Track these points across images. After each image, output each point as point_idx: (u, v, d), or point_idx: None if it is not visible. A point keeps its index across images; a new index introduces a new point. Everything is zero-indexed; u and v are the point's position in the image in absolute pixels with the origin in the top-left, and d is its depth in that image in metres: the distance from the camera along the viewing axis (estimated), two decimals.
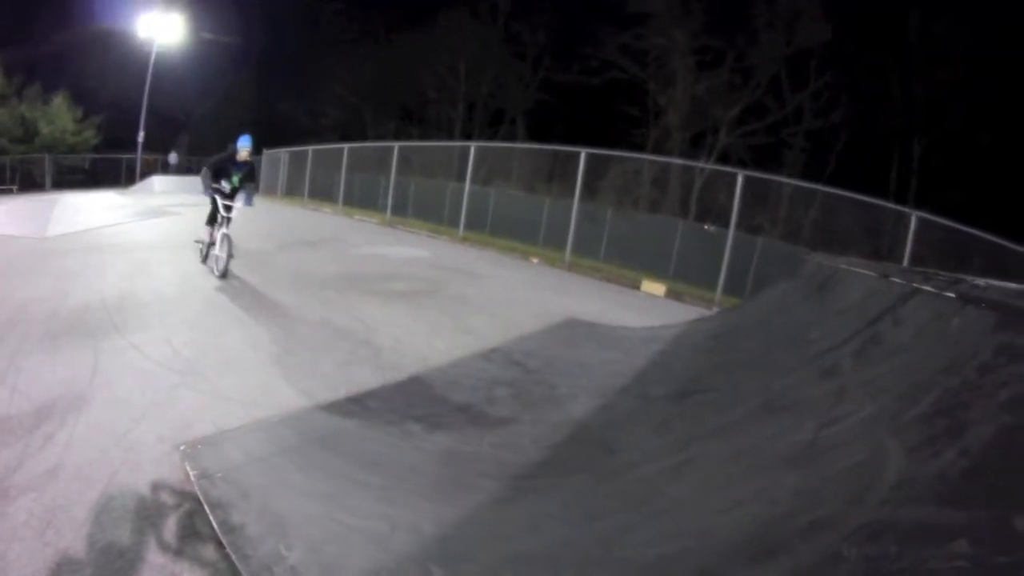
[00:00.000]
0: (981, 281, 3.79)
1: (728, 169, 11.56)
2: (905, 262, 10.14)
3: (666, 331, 5.76)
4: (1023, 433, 1.40)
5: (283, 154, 24.04)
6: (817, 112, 20.59)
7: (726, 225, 10.73)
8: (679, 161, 15.12)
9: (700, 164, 15.90)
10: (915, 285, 2.91)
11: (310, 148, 22.16)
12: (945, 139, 20.40)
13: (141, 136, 25.45)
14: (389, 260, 9.80)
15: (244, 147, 6.96)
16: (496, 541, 1.99)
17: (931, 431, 1.71)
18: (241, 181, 7.11)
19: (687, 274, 11.44)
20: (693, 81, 20.78)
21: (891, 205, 11.10)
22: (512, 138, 23.77)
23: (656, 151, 20.04)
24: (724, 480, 2.12)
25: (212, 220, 7.25)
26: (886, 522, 1.40)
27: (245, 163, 7.08)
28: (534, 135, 22.58)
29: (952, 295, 2.55)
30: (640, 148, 20.13)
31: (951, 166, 20.21)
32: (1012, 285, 3.18)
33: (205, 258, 7.55)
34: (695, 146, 21.25)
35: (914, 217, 10.12)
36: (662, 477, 2.41)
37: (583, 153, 11.92)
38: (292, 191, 22.82)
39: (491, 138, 22.16)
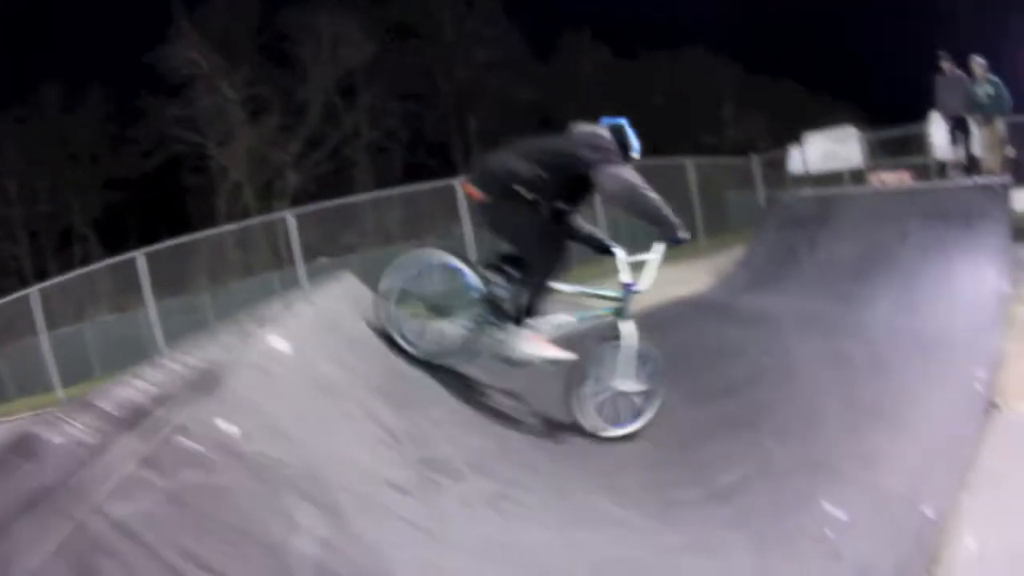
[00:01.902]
0: None
1: (276, 216, 12.38)
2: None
3: None
4: None
5: None
6: (373, 123, 22.78)
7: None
8: (232, 227, 14.80)
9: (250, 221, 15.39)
10: None
11: None
12: (491, 108, 24.74)
13: None
14: None
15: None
16: None
17: None
18: None
19: None
20: (249, 132, 21.13)
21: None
22: (87, 255, 20.90)
23: (230, 211, 19.96)
24: None
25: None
26: None
27: None
28: (110, 243, 20.31)
29: None
30: (214, 216, 19.78)
31: (501, 128, 23.98)
32: None
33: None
34: (268, 195, 21.67)
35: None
36: None
37: (140, 257, 11.53)
38: None
39: (65, 264, 19.04)
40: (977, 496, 2.73)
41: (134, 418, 1.76)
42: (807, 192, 10.40)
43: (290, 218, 11.31)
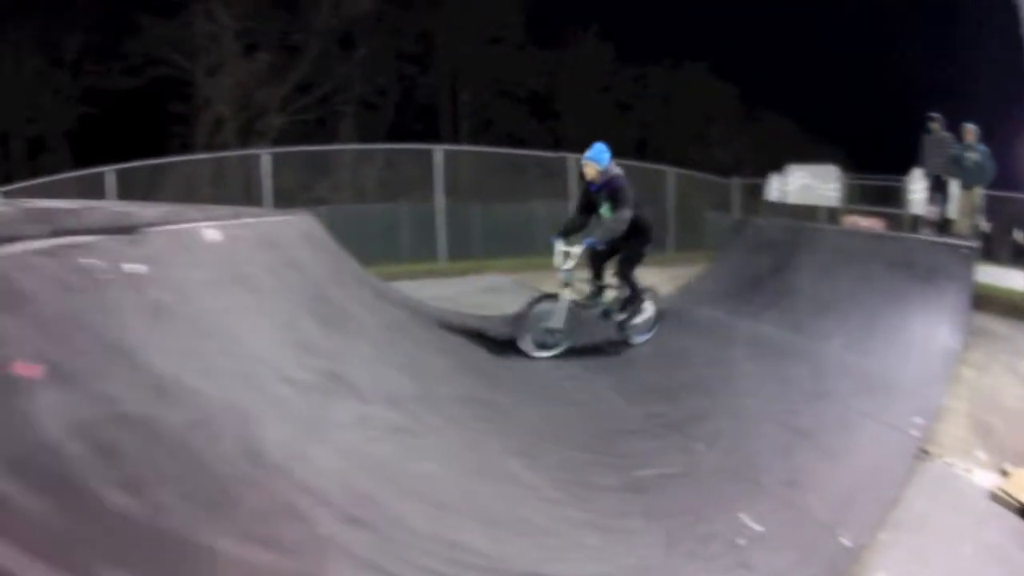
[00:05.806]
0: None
1: (251, 152, 11.97)
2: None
3: None
4: None
5: None
6: (366, 78, 22.20)
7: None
8: (206, 156, 14.25)
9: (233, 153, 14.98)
10: None
11: None
12: (485, 85, 24.70)
13: None
14: None
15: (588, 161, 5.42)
16: None
17: None
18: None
19: None
20: (240, 67, 20.29)
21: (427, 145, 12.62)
22: (56, 166, 19.74)
23: (209, 144, 19.12)
24: None
25: None
26: None
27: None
28: (81, 158, 19.31)
29: None
30: (191, 147, 18.93)
31: (491, 106, 24.88)
32: None
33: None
34: (249, 133, 20.77)
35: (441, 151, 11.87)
36: None
37: (109, 173, 11.26)
38: None
39: (33, 172, 18.02)
40: (897, 535, 2.75)
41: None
42: (779, 220, 10.41)
43: (265, 156, 10.87)
